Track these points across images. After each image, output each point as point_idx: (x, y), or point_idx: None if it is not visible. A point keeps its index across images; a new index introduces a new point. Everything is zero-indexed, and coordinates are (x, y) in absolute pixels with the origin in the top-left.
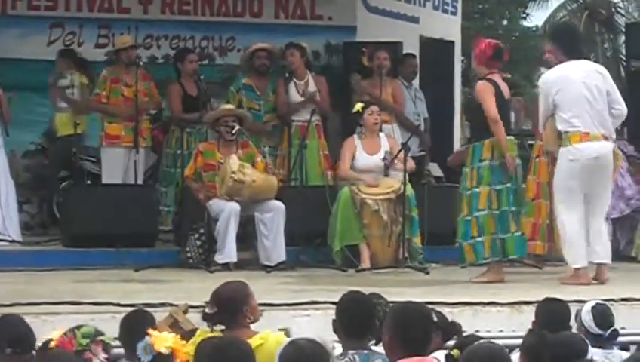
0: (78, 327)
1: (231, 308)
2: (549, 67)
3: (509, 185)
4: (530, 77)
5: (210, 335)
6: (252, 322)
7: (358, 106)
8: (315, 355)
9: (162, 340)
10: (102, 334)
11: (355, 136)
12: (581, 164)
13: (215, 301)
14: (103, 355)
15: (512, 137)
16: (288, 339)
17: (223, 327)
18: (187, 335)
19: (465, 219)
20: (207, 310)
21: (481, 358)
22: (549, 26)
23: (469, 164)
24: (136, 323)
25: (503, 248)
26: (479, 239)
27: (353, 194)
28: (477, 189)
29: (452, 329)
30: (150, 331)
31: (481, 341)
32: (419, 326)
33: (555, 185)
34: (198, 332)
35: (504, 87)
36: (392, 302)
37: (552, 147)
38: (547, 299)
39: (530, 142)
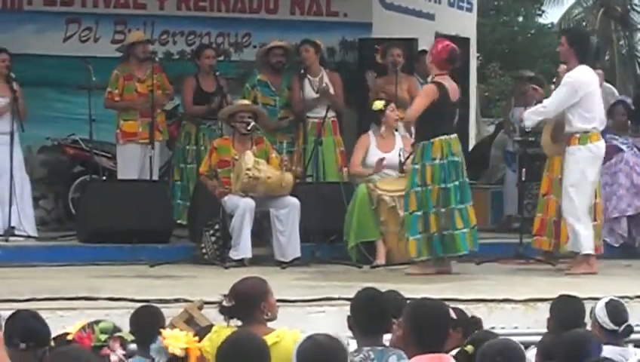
0: (97, 322)
1: (248, 303)
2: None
3: (456, 182)
4: (548, 73)
5: (227, 331)
6: (269, 319)
7: (380, 104)
8: (333, 350)
9: (176, 341)
10: (120, 330)
11: (370, 132)
12: (599, 161)
13: (233, 295)
14: (120, 351)
15: (454, 135)
16: (306, 334)
17: (239, 323)
18: (203, 331)
19: (415, 214)
20: (224, 303)
21: (497, 353)
22: (569, 27)
23: (418, 161)
24: (145, 320)
25: (452, 244)
26: (424, 235)
27: (370, 191)
28: (429, 187)
29: (473, 325)
30: (163, 332)
31: (492, 339)
32: (435, 324)
33: (574, 180)
34: (214, 328)
35: (453, 90)
36: (407, 299)
37: (549, 150)
38: (562, 296)
39: None
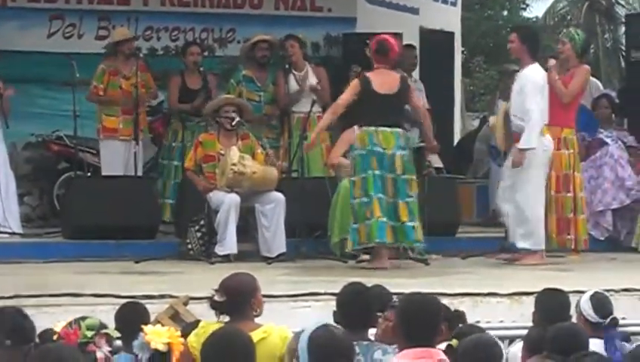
0: (83, 319)
1: (240, 298)
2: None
3: (377, 172)
4: None
5: (214, 326)
6: (257, 316)
7: None
8: (344, 341)
9: (158, 336)
10: (106, 327)
11: (356, 127)
12: (550, 153)
13: (225, 290)
14: (106, 348)
15: (397, 129)
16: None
17: (227, 319)
18: (189, 327)
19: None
20: (216, 298)
21: (473, 347)
22: (519, 24)
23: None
24: (130, 316)
25: (367, 233)
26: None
27: None
28: (353, 179)
29: (457, 319)
30: (145, 328)
31: (477, 333)
32: (426, 318)
33: (529, 176)
34: (201, 323)
35: (382, 83)
36: (393, 294)
37: (503, 144)
38: (546, 290)
39: None
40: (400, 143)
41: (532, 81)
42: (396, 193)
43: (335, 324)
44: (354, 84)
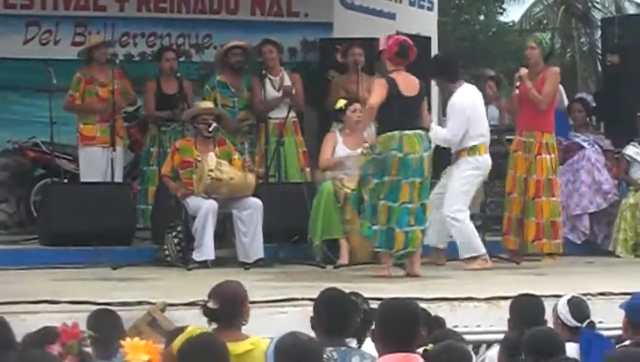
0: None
1: (233, 306)
2: (526, 65)
3: (385, 178)
4: (509, 71)
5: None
6: (243, 324)
7: (341, 103)
8: (313, 347)
9: (136, 351)
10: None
11: (337, 131)
12: (482, 173)
13: (219, 297)
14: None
15: (420, 131)
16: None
17: (214, 326)
18: (173, 335)
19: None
20: (209, 305)
21: (442, 352)
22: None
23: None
24: (102, 323)
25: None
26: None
27: (337, 189)
28: (377, 181)
29: (436, 324)
30: (123, 343)
31: (453, 338)
32: (405, 323)
33: (459, 188)
34: (188, 329)
35: (406, 85)
36: (370, 299)
37: None
38: (521, 295)
39: (508, 137)
40: (425, 145)
41: (453, 103)
42: (420, 197)
43: (312, 330)
44: (383, 82)
